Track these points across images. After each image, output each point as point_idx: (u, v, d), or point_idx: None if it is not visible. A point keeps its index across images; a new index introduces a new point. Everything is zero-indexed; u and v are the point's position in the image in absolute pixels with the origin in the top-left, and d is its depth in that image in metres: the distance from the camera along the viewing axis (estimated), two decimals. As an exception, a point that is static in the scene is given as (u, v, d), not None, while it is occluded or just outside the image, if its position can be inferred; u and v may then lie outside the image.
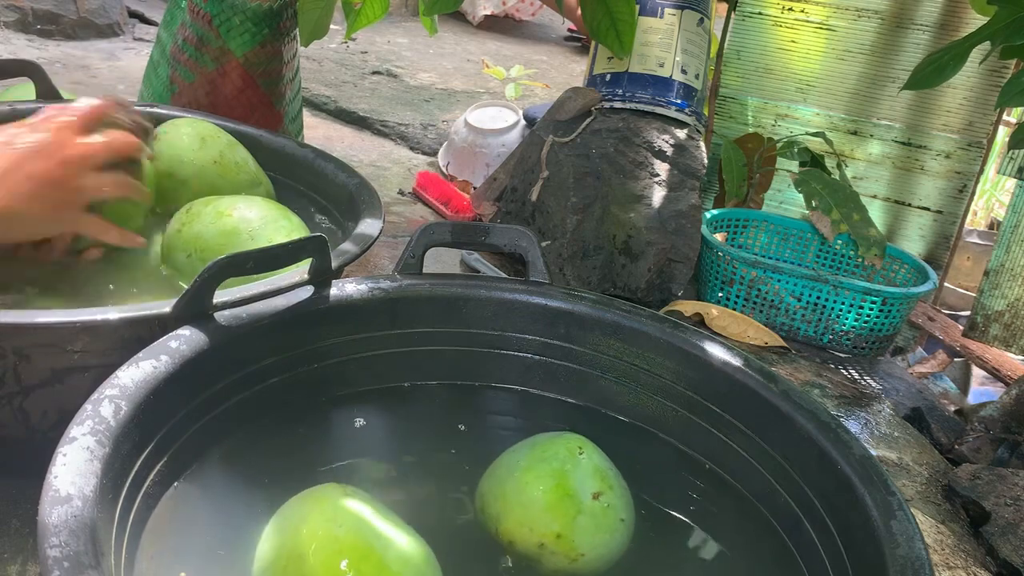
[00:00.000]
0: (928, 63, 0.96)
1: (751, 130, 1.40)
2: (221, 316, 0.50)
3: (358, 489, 0.46)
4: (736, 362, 0.56)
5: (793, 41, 1.34)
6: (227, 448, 0.50)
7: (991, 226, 2.30)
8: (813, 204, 1.21)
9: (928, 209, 1.33)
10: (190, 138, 0.78)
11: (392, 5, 1.13)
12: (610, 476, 0.51)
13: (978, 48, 0.92)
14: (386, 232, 0.71)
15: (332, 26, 1.11)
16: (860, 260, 1.20)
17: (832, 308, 1.08)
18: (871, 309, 1.07)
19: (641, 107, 1.15)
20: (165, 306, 0.50)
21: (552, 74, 2.58)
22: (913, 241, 1.35)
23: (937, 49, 1.01)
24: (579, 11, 2.19)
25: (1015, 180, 1.13)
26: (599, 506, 0.49)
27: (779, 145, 1.32)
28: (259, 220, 0.68)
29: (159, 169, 0.75)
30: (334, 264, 0.57)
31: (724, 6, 1.38)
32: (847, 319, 1.09)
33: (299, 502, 0.45)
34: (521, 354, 0.62)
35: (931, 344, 1.33)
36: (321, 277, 0.55)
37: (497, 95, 2.06)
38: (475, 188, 1.42)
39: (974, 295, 1.22)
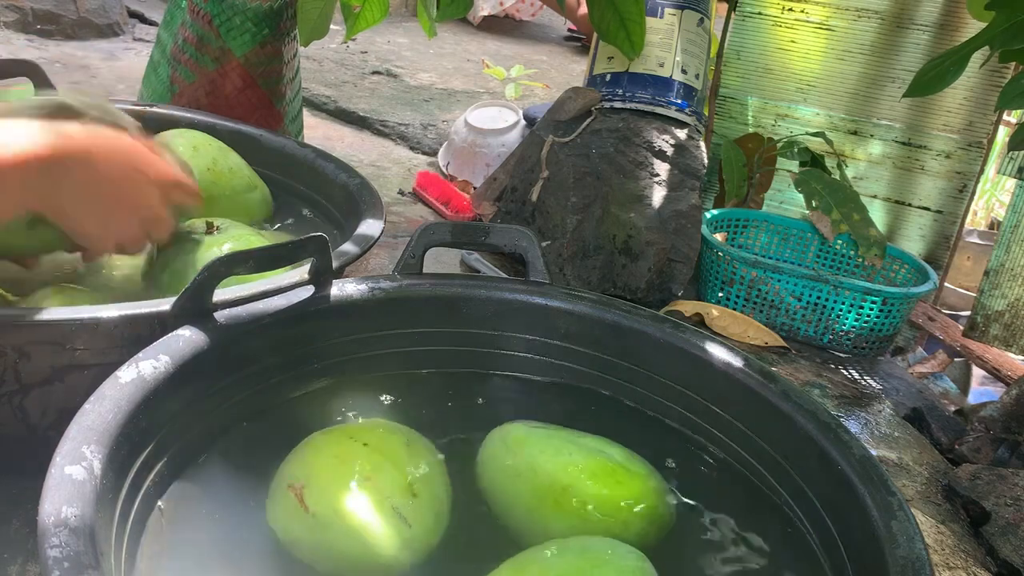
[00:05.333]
0: (929, 69, 0.96)
1: (751, 130, 1.40)
2: (221, 315, 0.50)
3: None
4: (736, 362, 0.56)
5: (793, 41, 1.34)
6: (227, 447, 0.50)
7: (991, 226, 2.30)
8: (813, 204, 1.21)
9: (928, 209, 1.33)
10: (183, 147, 0.79)
11: (392, 5, 1.12)
12: None
13: (978, 51, 0.92)
14: (386, 232, 0.71)
15: (332, 26, 1.11)
16: (860, 260, 1.20)
17: (832, 308, 1.08)
18: (871, 309, 1.07)
19: (641, 107, 1.15)
20: (165, 304, 0.50)
21: (552, 74, 2.57)
22: (913, 241, 1.35)
23: (938, 54, 1.01)
24: (580, 11, 2.19)
25: (1015, 180, 1.13)
26: None
27: (779, 145, 1.32)
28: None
29: None
30: (335, 264, 0.57)
31: (724, 6, 1.38)
32: (847, 319, 1.09)
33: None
34: (521, 354, 0.62)
35: (931, 344, 1.33)
36: (322, 277, 0.55)
37: (497, 95, 2.06)
38: (475, 188, 1.42)
39: (974, 295, 1.22)
